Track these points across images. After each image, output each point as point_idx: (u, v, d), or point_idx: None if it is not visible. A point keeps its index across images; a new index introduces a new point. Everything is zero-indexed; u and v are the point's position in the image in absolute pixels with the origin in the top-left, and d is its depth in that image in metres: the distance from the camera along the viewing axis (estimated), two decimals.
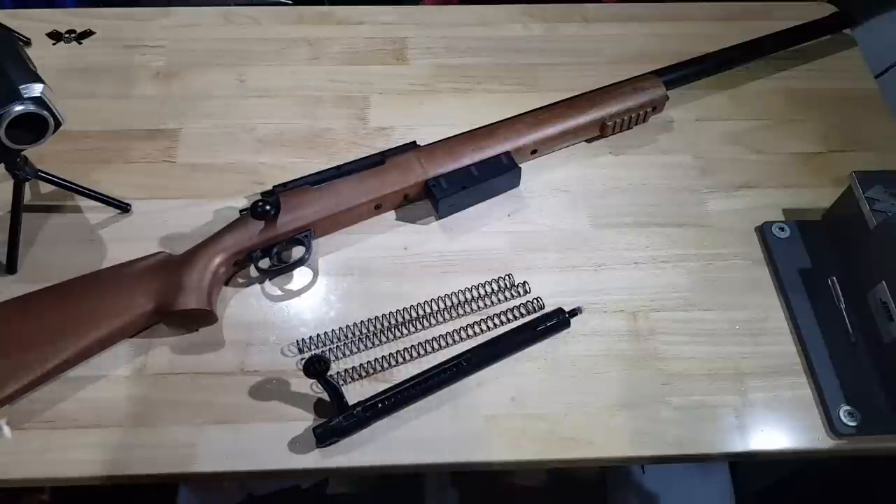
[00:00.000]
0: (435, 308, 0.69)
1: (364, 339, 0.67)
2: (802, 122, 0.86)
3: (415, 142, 0.76)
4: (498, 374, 0.66)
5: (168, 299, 0.64)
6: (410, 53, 0.91)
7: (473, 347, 0.66)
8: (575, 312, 0.68)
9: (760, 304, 0.72)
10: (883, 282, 0.65)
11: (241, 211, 0.70)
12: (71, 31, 0.89)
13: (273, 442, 0.62)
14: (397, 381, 0.63)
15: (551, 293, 0.71)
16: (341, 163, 0.74)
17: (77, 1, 1.15)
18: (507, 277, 0.71)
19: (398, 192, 0.73)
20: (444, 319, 0.69)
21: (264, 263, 0.70)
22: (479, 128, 0.77)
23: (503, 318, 0.69)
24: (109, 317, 0.63)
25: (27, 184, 0.68)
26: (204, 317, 0.66)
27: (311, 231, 0.71)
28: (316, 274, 0.72)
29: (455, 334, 0.67)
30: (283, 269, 0.70)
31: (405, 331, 0.68)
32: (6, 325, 0.63)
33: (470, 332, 0.68)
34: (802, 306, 0.70)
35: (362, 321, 0.68)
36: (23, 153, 0.64)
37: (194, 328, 0.67)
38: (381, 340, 0.67)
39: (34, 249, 0.71)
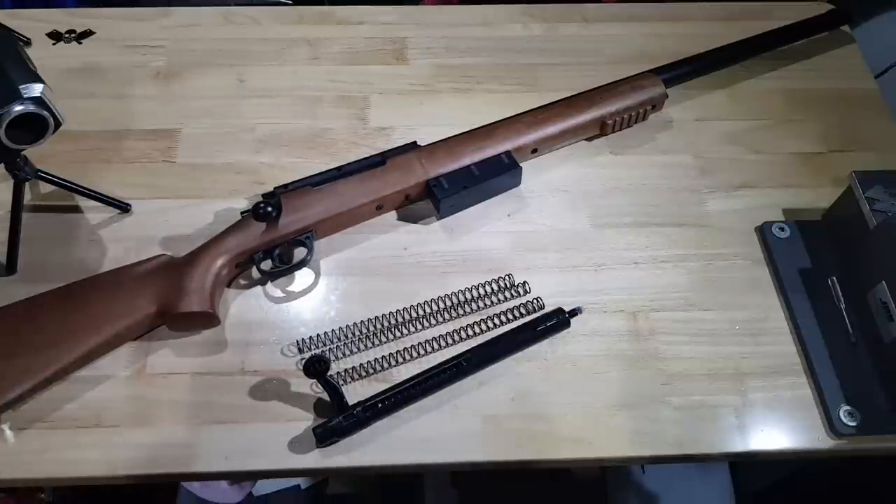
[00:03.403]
0: (435, 308, 0.69)
1: (364, 339, 0.67)
2: (802, 122, 0.86)
3: (415, 142, 0.76)
4: (498, 374, 0.66)
5: (170, 302, 0.64)
6: (410, 53, 0.91)
7: (473, 347, 0.66)
8: (575, 312, 0.68)
9: (760, 304, 0.72)
10: (883, 282, 0.65)
11: (242, 213, 0.70)
12: (71, 31, 0.89)
13: (273, 442, 0.62)
14: (397, 381, 0.63)
15: (551, 293, 0.71)
16: (342, 163, 0.73)
17: (77, 1, 1.15)
18: (507, 277, 0.71)
19: (399, 193, 0.73)
20: (444, 319, 0.69)
21: (266, 265, 0.70)
22: (479, 127, 0.77)
23: (503, 318, 0.69)
24: (112, 320, 0.63)
25: (27, 184, 0.68)
26: (206, 319, 0.66)
27: (313, 232, 0.71)
28: (317, 275, 0.72)
29: (455, 334, 0.67)
30: (284, 270, 0.70)
31: (405, 331, 0.68)
32: (10, 328, 0.63)
33: (470, 332, 0.68)
34: (802, 306, 0.70)
35: (362, 321, 0.68)
36: (23, 153, 0.64)
37: (197, 330, 0.67)
38: (381, 340, 0.67)
39: (34, 249, 0.71)
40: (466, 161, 0.75)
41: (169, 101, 0.84)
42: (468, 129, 0.77)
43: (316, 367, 0.58)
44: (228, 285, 0.70)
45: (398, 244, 0.74)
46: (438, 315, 0.69)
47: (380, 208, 0.74)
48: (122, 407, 0.63)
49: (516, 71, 0.90)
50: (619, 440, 0.63)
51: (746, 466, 1.16)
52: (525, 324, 0.68)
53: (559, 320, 0.67)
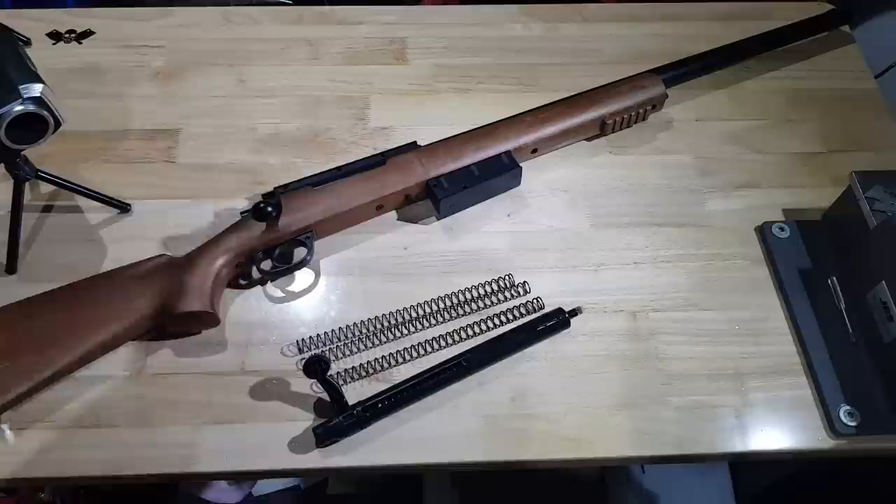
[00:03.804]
0: (435, 308, 0.69)
1: (364, 339, 0.67)
2: (802, 122, 0.86)
3: (415, 142, 0.76)
4: (498, 374, 0.66)
5: (171, 302, 0.64)
6: (410, 53, 0.91)
7: (473, 347, 0.66)
8: (575, 312, 0.68)
9: (760, 304, 0.72)
10: (883, 282, 0.65)
11: (242, 213, 0.70)
12: (71, 31, 0.89)
13: (273, 442, 0.62)
14: (397, 381, 0.63)
15: (551, 293, 0.71)
16: (342, 163, 0.74)
17: (77, 1, 1.15)
18: (507, 277, 0.71)
19: (399, 193, 0.73)
20: (444, 319, 0.69)
21: (266, 265, 0.70)
22: (480, 127, 0.77)
23: (503, 318, 0.69)
24: (112, 320, 0.63)
25: (27, 184, 0.67)
26: (206, 319, 0.66)
27: (313, 232, 0.71)
28: (317, 274, 0.72)
29: (455, 334, 0.67)
30: (284, 270, 0.70)
31: (405, 331, 0.68)
32: (10, 328, 0.63)
33: (470, 332, 0.68)
34: (802, 306, 0.70)
35: (362, 321, 0.68)
36: (23, 153, 0.64)
37: (197, 330, 0.67)
38: (381, 340, 0.67)
39: (34, 249, 0.71)
40: (466, 161, 0.75)
41: (169, 101, 0.84)
42: (468, 128, 0.77)
43: (316, 367, 0.58)
44: (228, 285, 0.70)
45: (398, 244, 0.74)
46: (438, 315, 0.69)
47: (380, 208, 0.74)
48: (122, 407, 0.63)
49: (516, 71, 0.90)
50: (619, 440, 0.63)
51: (746, 466, 1.16)
52: (525, 324, 0.68)
53: (559, 320, 0.67)
